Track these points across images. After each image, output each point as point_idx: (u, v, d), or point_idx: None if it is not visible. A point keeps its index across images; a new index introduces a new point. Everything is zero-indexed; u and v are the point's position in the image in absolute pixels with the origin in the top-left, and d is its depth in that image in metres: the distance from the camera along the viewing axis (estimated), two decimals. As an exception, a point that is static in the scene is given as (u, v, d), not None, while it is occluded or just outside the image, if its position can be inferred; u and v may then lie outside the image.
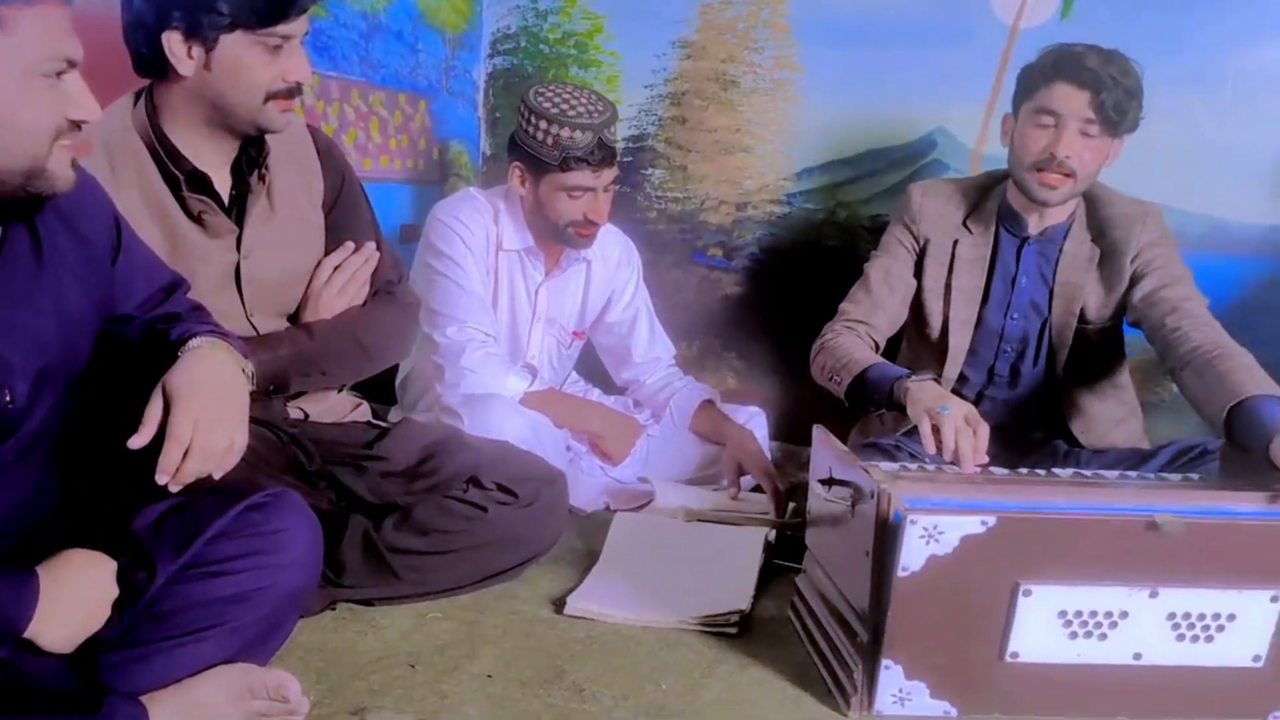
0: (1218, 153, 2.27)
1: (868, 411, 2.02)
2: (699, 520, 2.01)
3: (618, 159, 2.07)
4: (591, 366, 2.44)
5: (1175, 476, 1.61)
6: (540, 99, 2.02)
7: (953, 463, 1.54)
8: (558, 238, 2.12)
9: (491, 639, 1.49)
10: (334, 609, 1.54)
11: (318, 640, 1.45)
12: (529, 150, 2.03)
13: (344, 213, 1.69)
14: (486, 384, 2.02)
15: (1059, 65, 1.78)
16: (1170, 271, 1.86)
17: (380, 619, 1.53)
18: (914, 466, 1.60)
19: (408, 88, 2.55)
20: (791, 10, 2.45)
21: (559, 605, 1.60)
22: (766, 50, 2.49)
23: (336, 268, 1.66)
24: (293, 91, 1.49)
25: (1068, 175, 1.80)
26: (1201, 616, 1.31)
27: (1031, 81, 1.83)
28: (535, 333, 2.24)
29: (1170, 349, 1.75)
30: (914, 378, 1.68)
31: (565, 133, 1.99)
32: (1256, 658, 1.33)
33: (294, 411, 1.65)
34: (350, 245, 1.68)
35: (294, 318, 1.66)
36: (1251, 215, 2.31)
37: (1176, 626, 1.31)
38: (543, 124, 2.00)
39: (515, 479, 1.64)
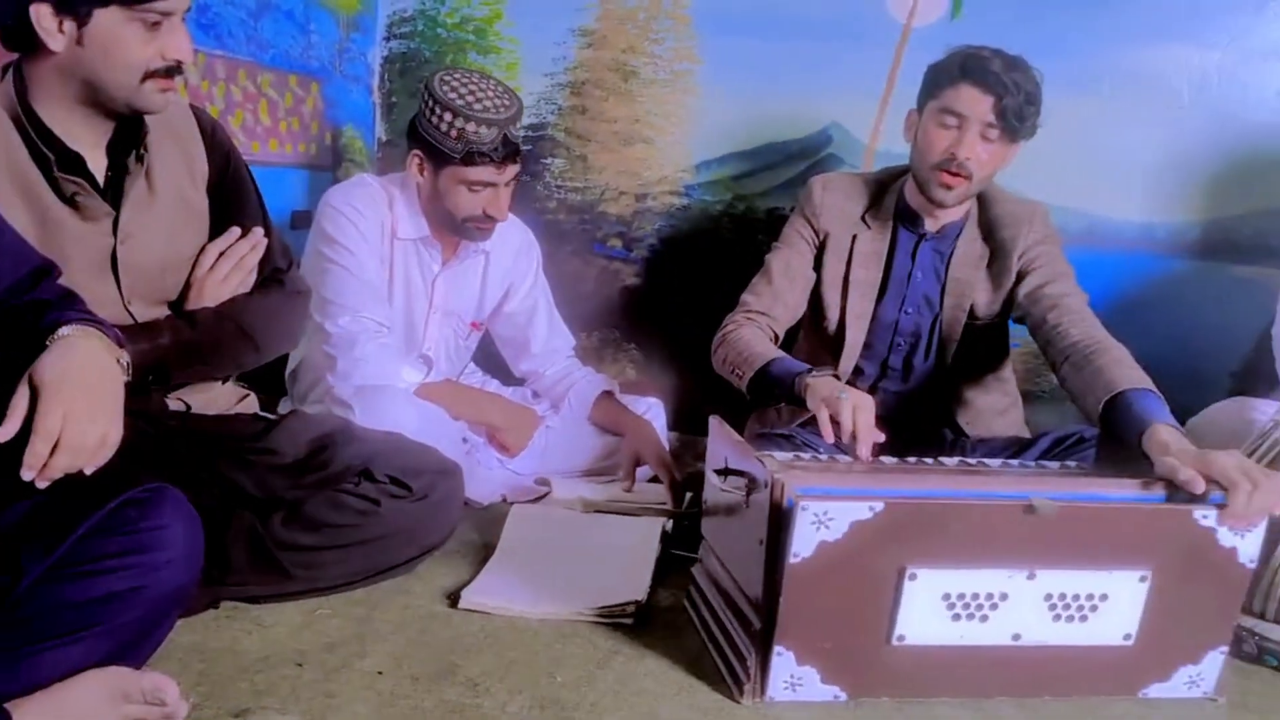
0: (1097, 152, 2.37)
1: (769, 405, 2.05)
2: (596, 511, 2.01)
3: (521, 155, 2.04)
4: (490, 357, 2.42)
5: (1054, 464, 1.68)
6: (445, 88, 1.97)
7: (845, 451, 1.57)
8: (455, 230, 2.08)
9: (383, 635, 1.46)
10: (217, 608, 1.49)
11: (199, 640, 1.40)
12: (430, 140, 1.99)
13: (229, 196, 1.63)
14: (380, 375, 1.98)
15: (965, 67, 1.81)
16: (1053, 269, 1.92)
17: (266, 617, 1.48)
18: (808, 456, 1.62)
19: (299, 69, 2.48)
20: (692, 2, 2.46)
21: (453, 599, 1.58)
22: (667, 41, 2.49)
23: (221, 254, 1.60)
24: (172, 70, 1.42)
25: (965, 177, 1.85)
26: (1076, 597, 1.36)
27: (937, 81, 1.86)
28: (432, 323, 2.20)
29: (1051, 344, 1.82)
30: (814, 373, 1.70)
31: (470, 127, 1.95)
32: (1127, 636, 1.39)
33: (174, 404, 1.59)
34: (236, 230, 1.62)
35: (176, 306, 1.59)
36: (1127, 213, 2.42)
37: (1053, 607, 1.36)
38: (447, 115, 1.95)
39: (409, 471, 1.61)
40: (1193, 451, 1.41)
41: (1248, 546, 1.37)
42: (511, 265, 2.27)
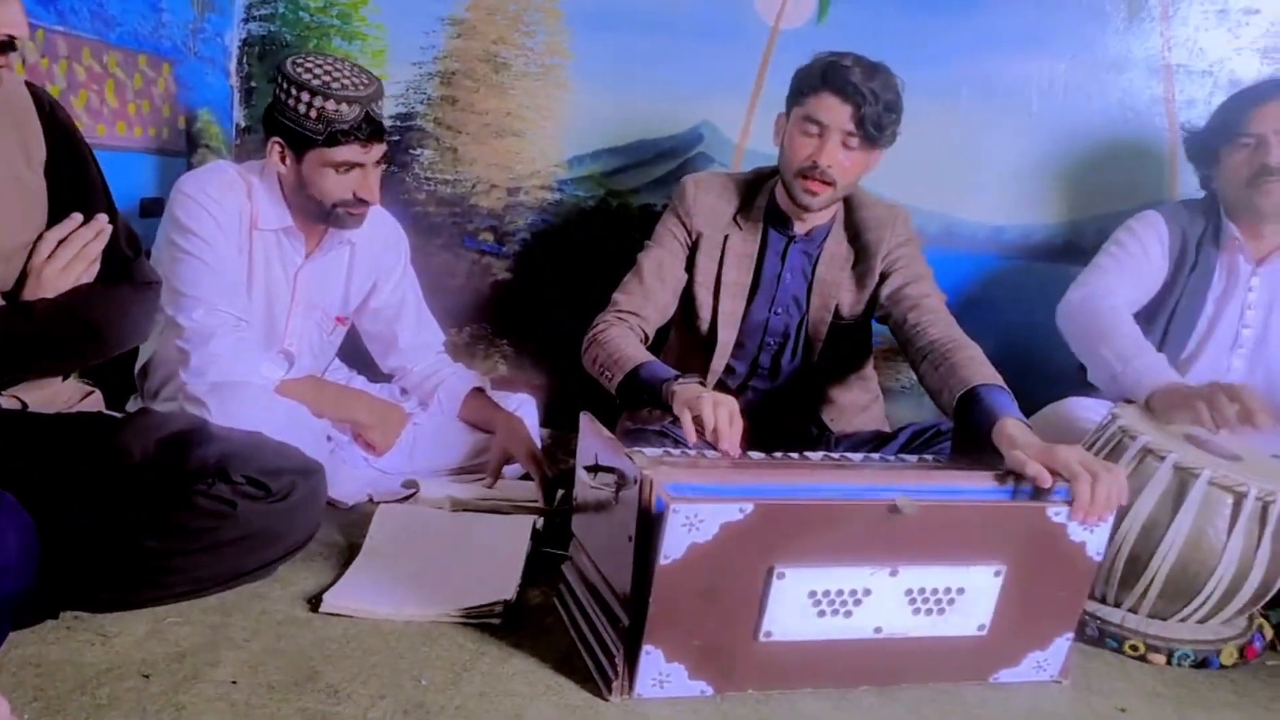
0: (953, 156, 2.46)
1: (637, 408, 2.05)
2: (465, 510, 1.98)
3: (386, 134, 1.99)
4: (356, 353, 2.35)
5: (912, 457, 1.73)
6: (300, 70, 1.90)
7: (712, 446, 1.58)
8: (325, 218, 2.01)
9: (238, 643, 1.40)
10: (56, 618, 1.40)
11: (35, 653, 1.31)
12: (290, 124, 1.92)
13: (69, 180, 1.53)
14: (237, 371, 1.89)
15: (826, 75, 1.84)
16: (914, 270, 1.99)
17: (110, 627, 1.40)
18: (677, 452, 1.63)
19: (149, 49, 2.35)
20: (563, -5, 2.45)
21: (314, 604, 1.53)
22: (538, 34, 2.47)
23: (61, 241, 1.50)
24: (4, 46, 1.33)
25: (828, 184, 1.88)
26: (935, 591, 1.41)
27: (801, 88, 1.89)
28: (294, 317, 2.12)
29: (910, 342, 1.88)
30: (680, 380, 1.71)
31: (330, 105, 1.89)
32: (981, 627, 1.45)
33: (8, 401, 1.48)
34: (78, 217, 1.51)
35: (11, 296, 1.48)
36: (981, 215, 2.52)
37: (913, 602, 1.41)
38: (305, 95, 1.89)
39: (267, 471, 1.54)
40: (1038, 445, 1.48)
41: (1095, 541, 1.44)
42: (378, 258, 2.21)
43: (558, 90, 2.49)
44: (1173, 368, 1.91)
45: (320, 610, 1.51)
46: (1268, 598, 1.70)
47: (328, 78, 1.90)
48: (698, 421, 1.58)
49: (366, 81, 1.93)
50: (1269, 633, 1.76)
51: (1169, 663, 1.65)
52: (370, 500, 2.01)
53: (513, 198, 2.55)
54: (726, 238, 2.02)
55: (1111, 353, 1.91)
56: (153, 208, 2.31)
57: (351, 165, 1.94)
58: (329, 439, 2.07)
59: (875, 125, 1.83)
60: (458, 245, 2.57)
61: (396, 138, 2.50)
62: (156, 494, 1.48)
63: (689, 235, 2.04)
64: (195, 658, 1.35)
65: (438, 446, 2.22)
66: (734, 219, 2.03)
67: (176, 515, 1.47)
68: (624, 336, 1.91)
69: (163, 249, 1.96)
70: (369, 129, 1.92)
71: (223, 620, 1.46)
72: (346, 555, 1.72)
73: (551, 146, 2.52)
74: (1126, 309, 2.03)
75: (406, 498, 2.04)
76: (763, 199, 2.03)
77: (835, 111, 1.84)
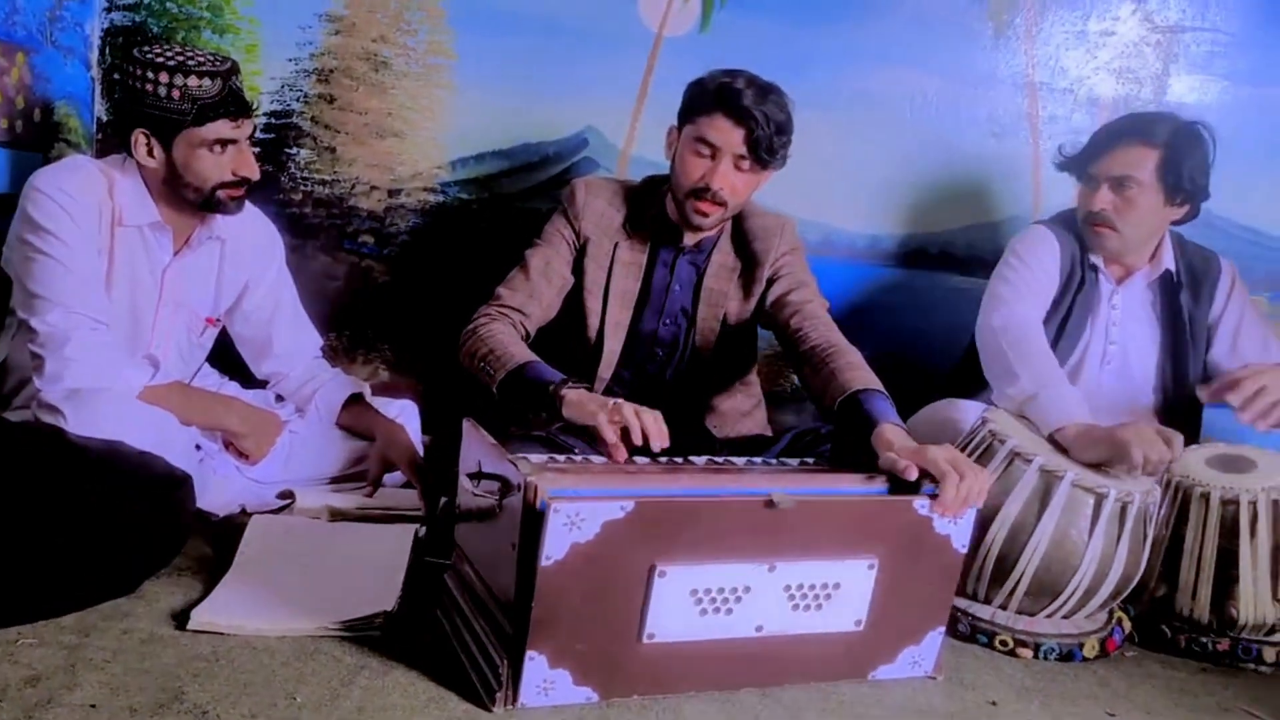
0: (833, 167, 2.52)
1: (518, 408, 2.01)
2: (344, 520, 1.92)
3: (253, 112, 1.92)
4: (229, 358, 2.26)
5: (793, 460, 1.76)
6: (151, 54, 1.84)
7: (600, 453, 1.57)
8: (207, 206, 1.93)
9: (97, 664, 1.32)
10: (-108, 644, 1.30)
11: None
12: (152, 111, 1.83)
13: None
14: (96, 376, 1.79)
15: (719, 97, 1.85)
16: (797, 278, 2.02)
17: (-46, 651, 1.31)
18: (563, 458, 1.62)
19: (1, 37, 2.21)
20: (445, -6, 2.41)
21: (181, 621, 1.46)
22: (420, 33, 2.42)
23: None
24: None
25: (719, 205, 1.90)
26: (813, 587, 1.43)
27: (694, 105, 1.89)
28: (161, 318, 2.02)
29: (793, 348, 1.92)
30: (570, 384, 1.70)
31: (192, 81, 1.82)
32: (858, 622, 1.48)
33: None
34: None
35: None
36: (859, 225, 2.59)
37: (791, 597, 1.43)
38: (163, 76, 1.81)
39: (129, 482, 1.47)
40: (912, 446, 1.53)
41: (960, 534, 1.50)
42: (251, 258, 2.13)
43: (440, 91, 2.45)
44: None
45: (188, 628, 1.44)
46: (1126, 593, 1.79)
47: (182, 57, 1.85)
48: (622, 428, 1.57)
49: (222, 59, 1.89)
50: (1127, 626, 1.85)
51: (1036, 656, 1.72)
52: (243, 511, 1.94)
53: (394, 199, 2.50)
54: (616, 246, 2.02)
55: (1029, 379, 1.90)
56: (5, 205, 2.18)
57: (225, 142, 1.88)
58: (198, 448, 1.99)
59: (767, 150, 1.85)
60: (337, 247, 2.50)
61: (271, 135, 2.42)
62: (7, 508, 1.40)
63: (577, 238, 2.03)
64: (50, 681, 1.27)
65: (315, 455, 2.15)
66: (623, 227, 2.03)
67: (29, 531, 1.38)
68: (507, 333, 1.88)
69: (14, 248, 1.85)
70: (235, 104, 1.86)
71: (81, 640, 1.38)
72: (217, 569, 1.65)
73: (434, 148, 2.48)
74: (1044, 336, 2.05)
75: (282, 508, 1.97)
76: (653, 209, 2.04)
77: (728, 134, 1.85)
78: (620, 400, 1.61)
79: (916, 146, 2.56)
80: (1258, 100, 2.69)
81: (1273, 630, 1.81)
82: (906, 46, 2.51)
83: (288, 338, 2.20)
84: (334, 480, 2.15)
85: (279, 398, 2.24)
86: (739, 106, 1.83)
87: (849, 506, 1.46)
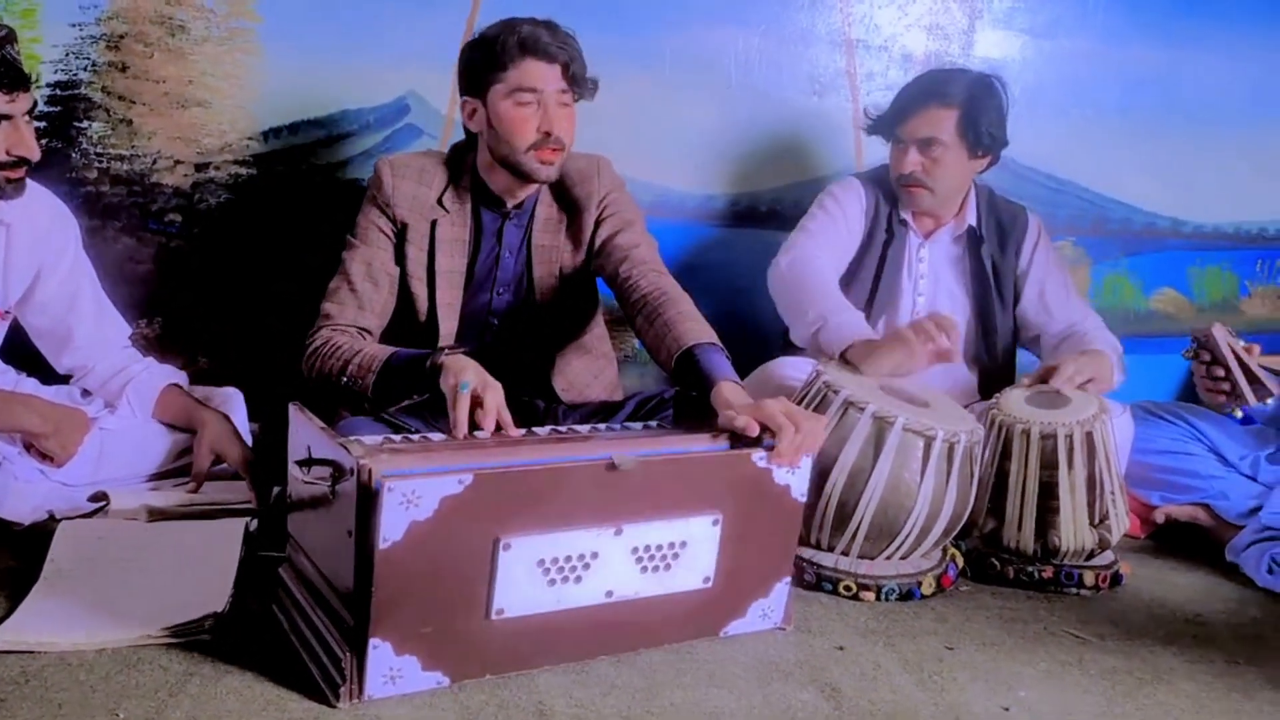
0: (662, 127, 2.51)
1: (399, 400, 1.92)
2: (166, 519, 1.81)
3: (30, 85, 1.74)
4: (26, 352, 2.07)
5: (638, 425, 1.76)
6: None
7: (441, 429, 1.52)
8: None
9: (-118, 700, 1.20)
10: None
11: None
12: None
13: None
14: None
15: (525, 44, 1.81)
16: (624, 217, 2.00)
17: None
18: (399, 438, 1.56)
19: None
20: (241, -48, 2.26)
21: (-18, 642, 1.34)
22: (218, -6, 2.26)
23: None
24: None
25: (560, 149, 1.86)
26: (660, 547, 1.44)
27: (493, 64, 1.83)
28: (-61, 315, 1.84)
29: (624, 296, 1.89)
30: (447, 351, 1.65)
31: None
32: (706, 579, 1.49)
33: None
34: None
35: None
36: (690, 184, 2.60)
37: (640, 560, 1.43)
38: None
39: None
40: (749, 403, 1.55)
41: (798, 483, 1.53)
42: (41, 243, 1.95)
43: (246, 56, 2.30)
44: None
45: (-10, 649, 1.32)
46: (957, 530, 1.87)
47: None
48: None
49: None
50: (960, 561, 1.94)
51: (878, 598, 1.78)
52: (51, 518, 1.80)
53: (201, 174, 2.34)
54: (434, 224, 1.94)
55: (814, 312, 2.03)
56: None
57: None
58: (-7, 452, 1.82)
59: (582, 77, 1.85)
60: (140, 228, 2.33)
61: (57, 108, 2.22)
62: None
63: (393, 225, 1.93)
64: None
65: (131, 452, 2.01)
66: (438, 202, 1.95)
67: None
68: (356, 340, 1.82)
69: None
70: (9, 75, 1.69)
71: None
72: (23, 583, 1.52)
73: (242, 117, 2.32)
74: (831, 272, 2.18)
75: (95, 512, 1.84)
76: (468, 179, 1.97)
77: (546, 76, 1.83)
78: (473, 383, 1.55)
79: (743, 104, 2.58)
80: (1055, 53, 2.84)
81: (1091, 555, 1.94)
82: (728, 4, 2.51)
83: (90, 328, 2.04)
84: (156, 477, 2.02)
85: (85, 393, 2.08)
86: (543, 46, 1.82)
87: (690, 464, 1.46)
